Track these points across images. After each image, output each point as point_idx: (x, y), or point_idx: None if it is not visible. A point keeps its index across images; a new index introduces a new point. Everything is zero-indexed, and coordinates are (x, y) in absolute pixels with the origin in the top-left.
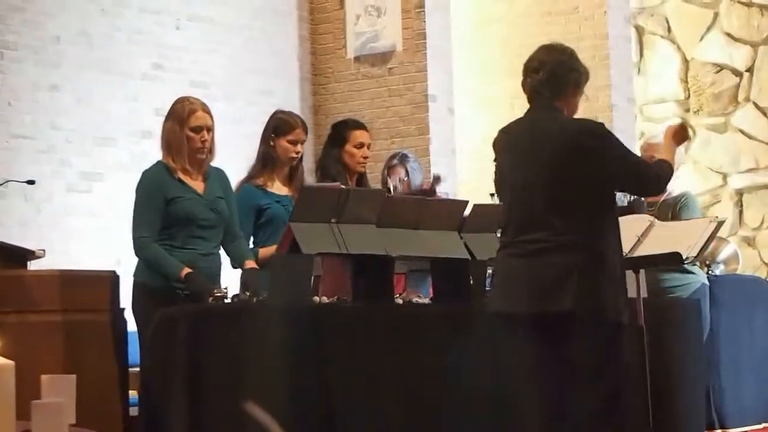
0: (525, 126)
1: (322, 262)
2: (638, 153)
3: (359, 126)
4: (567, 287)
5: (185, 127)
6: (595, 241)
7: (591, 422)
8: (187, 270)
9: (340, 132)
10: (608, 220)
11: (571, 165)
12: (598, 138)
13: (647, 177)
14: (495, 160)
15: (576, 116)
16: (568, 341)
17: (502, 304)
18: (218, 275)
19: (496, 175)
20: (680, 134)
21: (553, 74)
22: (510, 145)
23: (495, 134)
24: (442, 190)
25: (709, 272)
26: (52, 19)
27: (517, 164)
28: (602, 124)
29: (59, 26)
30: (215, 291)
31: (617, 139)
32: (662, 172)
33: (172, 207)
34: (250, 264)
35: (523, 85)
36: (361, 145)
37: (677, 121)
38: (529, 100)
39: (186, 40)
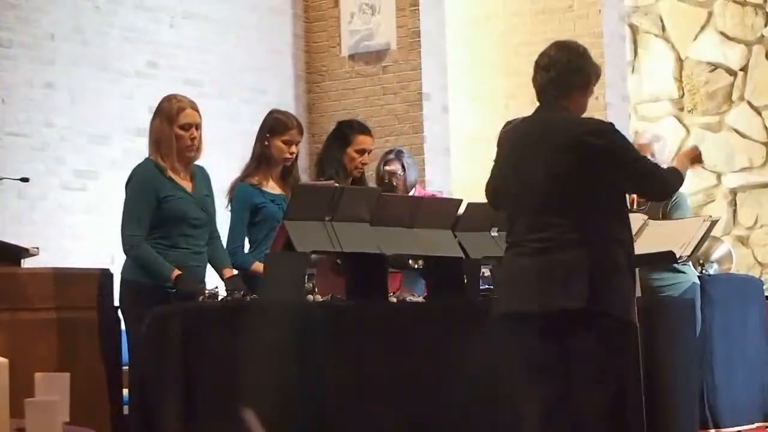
0: (532, 125)
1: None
2: None
3: (364, 131)
4: (576, 285)
5: (174, 125)
6: (603, 238)
7: (597, 420)
8: (177, 272)
9: (345, 133)
10: (617, 218)
11: (577, 163)
12: (606, 137)
13: (653, 179)
14: (497, 156)
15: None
16: (577, 339)
17: (511, 305)
18: (205, 273)
19: (494, 172)
20: (697, 158)
21: (561, 74)
22: (516, 143)
23: (489, 133)
24: (436, 189)
25: (703, 271)
26: (47, 16)
27: (524, 163)
28: (611, 124)
29: (53, 23)
30: (205, 291)
31: (625, 139)
32: (671, 178)
33: (164, 205)
34: (229, 273)
35: (533, 81)
36: (362, 152)
37: (673, 120)
38: (538, 98)
39: (180, 38)
